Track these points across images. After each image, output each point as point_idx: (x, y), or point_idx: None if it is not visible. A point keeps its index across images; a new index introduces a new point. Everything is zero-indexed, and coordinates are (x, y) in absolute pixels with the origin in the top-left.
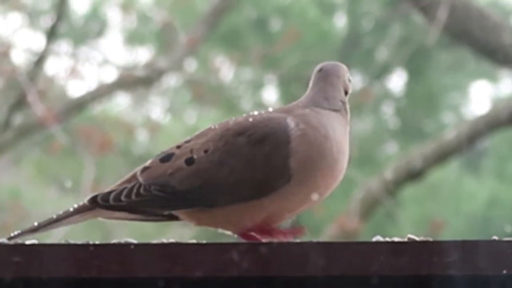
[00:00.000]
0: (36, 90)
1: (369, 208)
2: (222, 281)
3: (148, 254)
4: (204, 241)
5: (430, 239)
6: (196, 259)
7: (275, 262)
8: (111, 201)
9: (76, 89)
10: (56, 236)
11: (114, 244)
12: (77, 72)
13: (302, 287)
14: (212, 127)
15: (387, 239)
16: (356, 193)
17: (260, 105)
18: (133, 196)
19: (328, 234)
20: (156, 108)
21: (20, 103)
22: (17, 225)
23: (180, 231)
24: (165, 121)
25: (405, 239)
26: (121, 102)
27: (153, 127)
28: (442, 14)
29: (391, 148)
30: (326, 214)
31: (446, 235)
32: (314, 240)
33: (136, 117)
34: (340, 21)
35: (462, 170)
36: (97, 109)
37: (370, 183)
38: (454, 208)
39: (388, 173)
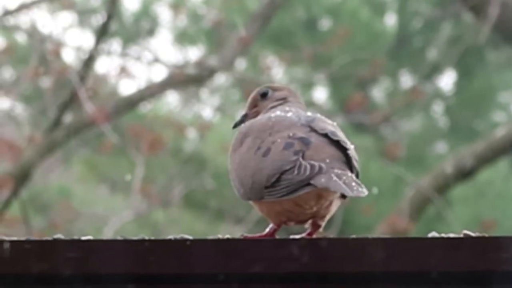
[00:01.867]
0: (86, 89)
1: (419, 207)
2: (280, 276)
3: (205, 250)
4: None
5: (486, 235)
6: (254, 254)
7: (334, 257)
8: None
9: (126, 88)
10: (108, 233)
11: (169, 240)
12: (128, 71)
13: (360, 282)
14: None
15: (443, 235)
16: (406, 192)
17: (310, 104)
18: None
19: (378, 233)
20: (207, 107)
21: (71, 101)
22: (67, 225)
23: (231, 229)
24: (215, 119)
25: (461, 235)
26: (171, 100)
27: (203, 126)
28: (493, 12)
29: (441, 147)
30: (375, 213)
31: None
32: (371, 236)
33: (186, 116)
34: (391, 21)
35: (511, 169)
36: (147, 108)
37: (420, 183)
38: (504, 207)
39: (438, 172)
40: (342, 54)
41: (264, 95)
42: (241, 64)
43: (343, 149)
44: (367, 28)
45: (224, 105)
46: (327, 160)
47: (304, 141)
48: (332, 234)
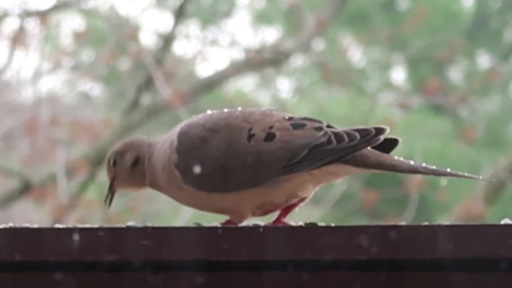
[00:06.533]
0: (163, 71)
1: (495, 191)
2: (351, 265)
3: (277, 238)
4: (333, 224)
5: None
6: (326, 242)
7: (404, 245)
8: None
9: (203, 70)
10: (184, 216)
11: (242, 228)
12: (205, 53)
13: (430, 270)
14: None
15: None
16: (482, 175)
17: (388, 85)
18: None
19: (453, 218)
20: (284, 89)
21: (148, 84)
22: (144, 207)
23: (308, 211)
24: (292, 101)
25: None
26: (249, 82)
27: (281, 108)
28: None
29: None
30: (450, 197)
31: None
32: (443, 223)
33: (264, 98)
34: (468, 1)
35: None
36: (224, 90)
37: (497, 165)
38: None
39: None
40: (419, 35)
41: (115, 163)
42: (318, 44)
43: None
44: (445, 9)
45: (301, 86)
46: None
47: (315, 120)
48: (407, 217)
